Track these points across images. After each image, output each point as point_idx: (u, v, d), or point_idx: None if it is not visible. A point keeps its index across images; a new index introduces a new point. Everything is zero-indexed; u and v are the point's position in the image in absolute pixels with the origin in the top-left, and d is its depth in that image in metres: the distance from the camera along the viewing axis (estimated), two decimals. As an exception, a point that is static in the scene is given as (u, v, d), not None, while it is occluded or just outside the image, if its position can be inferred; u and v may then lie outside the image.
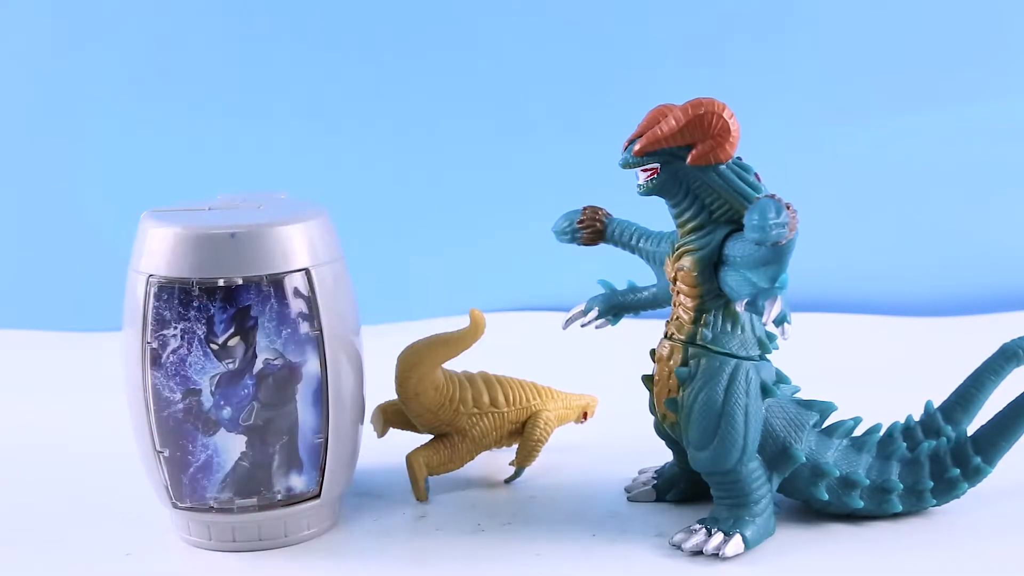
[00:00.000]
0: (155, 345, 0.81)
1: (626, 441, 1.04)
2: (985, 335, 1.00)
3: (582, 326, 0.96)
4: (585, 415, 1.05)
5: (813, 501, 0.88)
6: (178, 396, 0.82)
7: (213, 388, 0.81)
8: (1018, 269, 1.62)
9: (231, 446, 0.83)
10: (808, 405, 0.87)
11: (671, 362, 0.87)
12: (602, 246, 0.94)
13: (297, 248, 0.82)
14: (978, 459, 0.88)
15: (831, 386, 0.98)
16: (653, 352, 0.90)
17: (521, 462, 0.98)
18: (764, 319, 0.76)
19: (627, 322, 0.97)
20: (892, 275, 1.63)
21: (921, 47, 1.61)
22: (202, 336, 0.81)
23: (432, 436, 0.97)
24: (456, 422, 0.95)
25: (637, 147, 0.83)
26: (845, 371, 1.28)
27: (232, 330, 0.81)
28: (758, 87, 1.60)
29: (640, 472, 0.98)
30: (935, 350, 1.39)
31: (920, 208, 1.64)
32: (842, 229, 1.62)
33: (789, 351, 0.88)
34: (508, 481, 0.99)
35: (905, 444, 0.89)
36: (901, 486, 0.88)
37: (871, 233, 1.64)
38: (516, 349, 1.27)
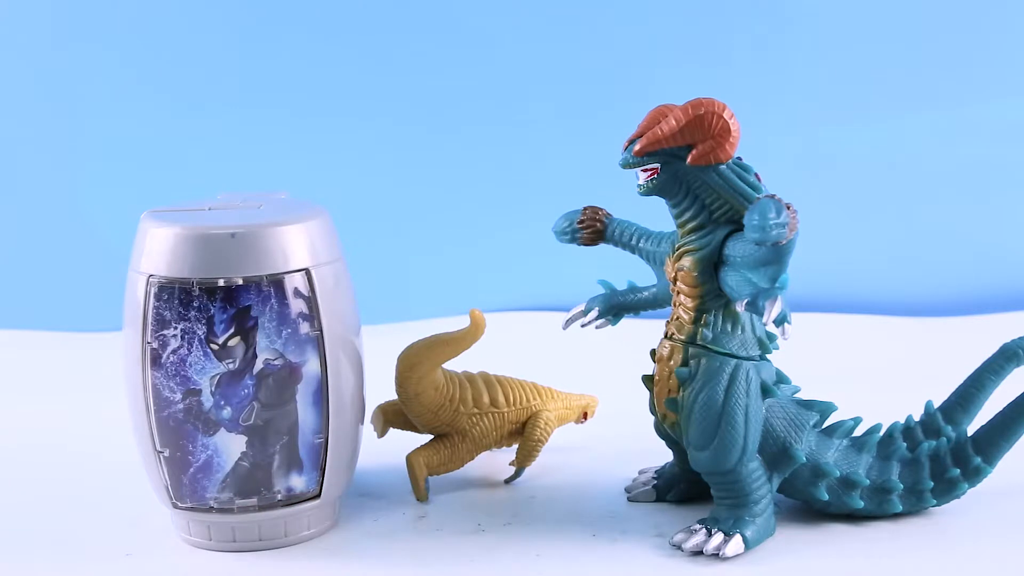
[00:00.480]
0: (155, 345, 0.81)
1: (626, 441, 1.05)
2: (985, 335, 1.00)
3: (582, 326, 0.96)
4: (585, 415, 1.05)
5: (813, 501, 0.88)
6: (178, 396, 0.82)
7: (213, 388, 0.81)
8: (1018, 269, 1.62)
9: (231, 446, 0.83)
10: (808, 405, 0.87)
11: (671, 362, 0.87)
12: (602, 246, 0.94)
13: (297, 248, 0.82)
14: (978, 459, 0.88)
15: (831, 386, 0.98)
16: (653, 352, 0.90)
17: (521, 462, 0.98)
18: (764, 319, 0.76)
19: (627, 322, 0.97)
20: (892, 275, 1.63)
21: (921, 47, 1.61)
22: (202, 336, 0.81)
23: (432, 436, 0.97)
24: (456, 422, 0.95)
25: (637, 147, 0.83)
26: (845, 371, 1.28)
27: (232, 330, 0.81)
28: (758, 87, 1.60)
29: (640, 472, 0.98)
30: (935, 350, 1.39)
31: (920, 208, 1.64)
32: (842, 229, 1.62)
33: (789, 351, 0.88)
34: (508, 481, 0.99)
35: (905, 444, 0.89)
36: (901, 486, 0.88)
37: (871, 233, 1.64)
38: (516, 349, 1.27)
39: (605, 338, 1.07)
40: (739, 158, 0.83)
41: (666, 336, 0.88)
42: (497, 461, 1.03)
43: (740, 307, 0.80)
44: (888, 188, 1.63)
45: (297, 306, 0.82)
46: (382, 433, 0.99)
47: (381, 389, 0.96)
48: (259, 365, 0.82)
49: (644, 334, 1.02)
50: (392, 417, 0.98)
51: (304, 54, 1.62)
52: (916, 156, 1.62)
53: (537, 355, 1.25)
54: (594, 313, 0.95)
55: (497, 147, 1.63)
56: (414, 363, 0.93)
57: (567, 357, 1.26)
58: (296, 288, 0.82)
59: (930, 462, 0.89)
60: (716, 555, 0.83)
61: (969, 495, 0.90)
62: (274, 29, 1.62)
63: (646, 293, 0.94)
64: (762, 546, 0.85)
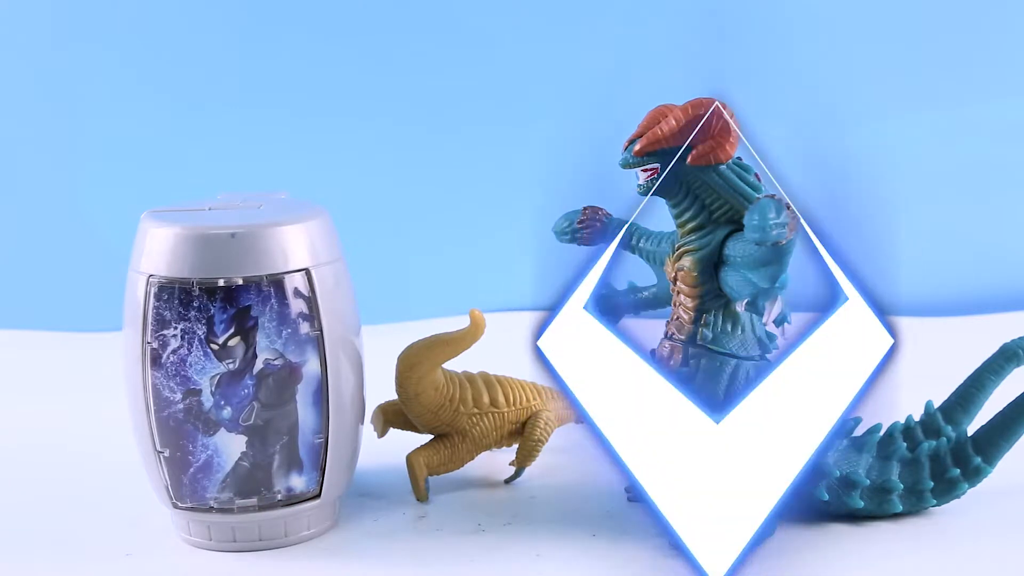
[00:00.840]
0: (155, 345, 0.81)
1: (626, 441, 1.04)
2: (985, 335, 0.99)
3: (582, 326, 0.95)
4: (585, 415, 1.05)
5: (813, 501, 0.88)
6: (178, 396, 0.82)
7: (213, 388, 0.81)
8: (1018, 269, 1.62)
9: (231, 446, 0.83)
10: (808, 405, 0.87)
11: (671, 362, 0.87)
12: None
13: (297, 248, 0.82)
14: (978, 459, 0.88)
15: (831, 386, 0.98)
16: (653, 352, 0.90)
17: (521, 462, 0.98)
18: (764, 319, 0.76)
19: (627, 322, 0.97)
20: (892, 275, 1.63)
21: (921, 47, 1.61)
22: (202, 336, 0.81)
23: (432, 436, 0.97)
24: (456, 422, 0.95)
25: (637, 147, 0.83)
26: (845, 371, 1.28)
27: (232, 330, 0.81)
28: (758, 87, 1.60)
29: (640, 472, 0.98)
30: (935, 350, 1.39)
31: (920, 208, 1.63)
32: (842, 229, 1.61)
33: (789, 351, 0.88)
34: (508, 481, 0.99)
35: (905, 444, 0.89)
36: (901, 486, 0.88)
37: (870, 233, 1.64)
38: (516, 349, 1.26)
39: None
40: (739, 158, 0.83)
41: (666, 336, 0.88)
42: (497, 461, 1.03)
43: (740, 307, 0.80)
44: (888, 188, 1.63)
45: (297, 306, 0.82)
46: (382, 433, 0.99)
47: (381, 389, 0.96)
48: (259, 365, 0.82)
49: (644, 334, 1.02)
50: (392, 417, 0.98)
51: (304, 54, 1.62)
52: (916, 156, 1.62)
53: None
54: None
55: (497, 147, 1.63)
56: (414, 363, 0.93)
57: (567, 357, 1.26)
58: (296, 288, 0.82)
59: (930, 462, 0.89)
60: (716, 555, 0.83)
61: (969, 495, 0.90)
62: (274, 29, 1.62)
63: (646, 293, 0.94)
64: (762, 546, 0.85)
